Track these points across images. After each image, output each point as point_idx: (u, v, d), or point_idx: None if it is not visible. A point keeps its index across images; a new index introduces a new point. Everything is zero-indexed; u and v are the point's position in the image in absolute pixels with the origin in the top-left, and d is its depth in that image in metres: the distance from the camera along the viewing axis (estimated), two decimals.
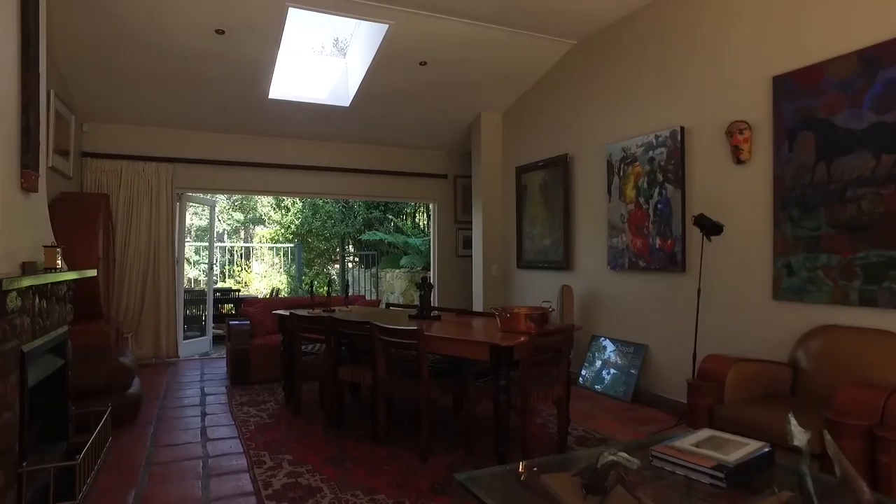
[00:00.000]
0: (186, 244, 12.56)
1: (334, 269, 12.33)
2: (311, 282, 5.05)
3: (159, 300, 6.06)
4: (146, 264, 6.00)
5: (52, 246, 2.97)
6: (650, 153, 4.60)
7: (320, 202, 11.17)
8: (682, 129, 4.32)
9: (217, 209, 14.37)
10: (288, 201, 12.04)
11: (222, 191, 6.91)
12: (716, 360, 3.31)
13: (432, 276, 7.74)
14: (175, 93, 5.61)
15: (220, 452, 3.46)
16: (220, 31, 4.77)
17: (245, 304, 5.89)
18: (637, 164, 4.73)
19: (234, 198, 13.60)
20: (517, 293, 6.42)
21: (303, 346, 4.44)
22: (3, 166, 2.73)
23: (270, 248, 12.47)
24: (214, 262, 10.57)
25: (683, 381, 3.69)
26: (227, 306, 8.16)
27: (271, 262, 12.52)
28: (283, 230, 12.29)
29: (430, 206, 7.82)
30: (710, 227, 3.67)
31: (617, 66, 5.00)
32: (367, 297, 10.33)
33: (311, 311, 4.54)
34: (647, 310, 4.66)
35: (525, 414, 3.16)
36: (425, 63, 5.56)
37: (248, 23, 4.69)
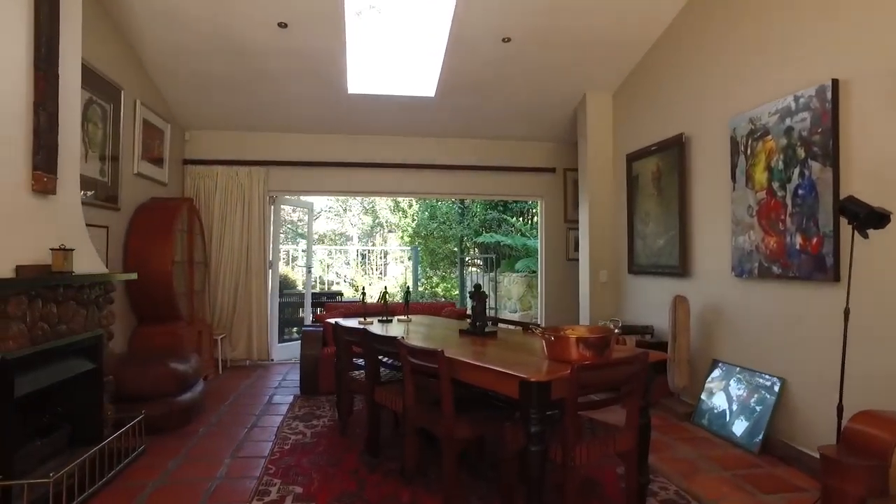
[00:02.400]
0: (318, 248, 13.17)
1: (470, 273, 11.96)
2: (362, 287, 4.62)
3: (251, 303, 6.11)
4: (238, 267, 6.09)
5: (60, 249, 2.86)
6: (787, 122, 3.42)
7: (436, 203, 10.88)
8: (835, 82, 3.11)
9: (350, 213, 14.92)
10: (404, 203, 11.95)
11: (315, 192, 6.84)
12: (875, 421, 2.21)
13: (539, 281, 6.94)
14: (256, 95, 5.58)
15: (236, 475, 3.14)
16: (282, 25, 4.57)
17: (326, 309, 5.69)
18: (769, 137, 3.57)
19: (367, 201, 13.92)
20: (628, 303, 5.40)
21: (357, 360, 4.05)
22: (3, 168, 2.67)
23: (388, 252, 12.51)
24: (313, 264, 10.91)
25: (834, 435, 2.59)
26: None
27: (399, 265, 12.59)
28: (401, 233, 12.24)
29: (538, 204, 7.02)
30: (866, 217, 2.50)
31: (744, 15, 3.86)
32: (488, 304, 9.82)
33: (362, 320, 4.10)
34: (785, 331, 3.48)
35: (566, 472, 2.36)
36: (508, 39, 4.86)
37: (307, 10, 4.42)
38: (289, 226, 13.74)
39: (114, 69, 4.40)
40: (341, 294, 9.29)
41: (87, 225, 3.98)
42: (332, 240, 14.39)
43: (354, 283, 10.94)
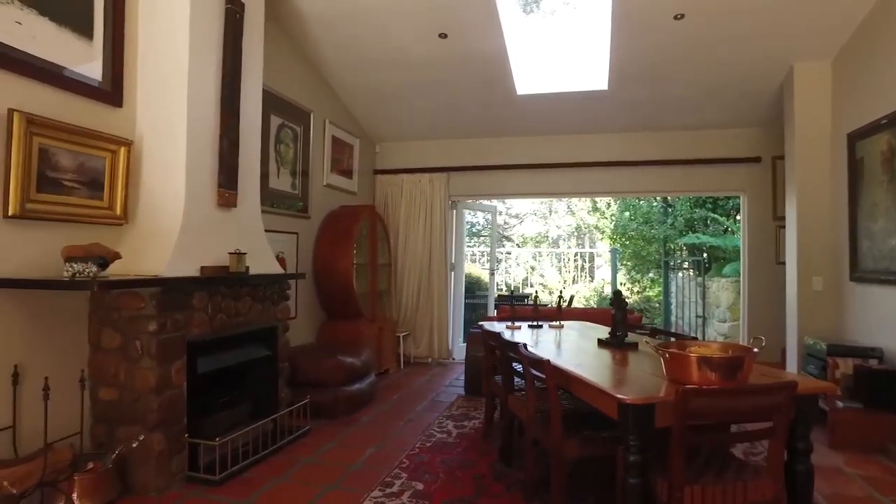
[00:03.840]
0: (523, 250, 13.30)
1: (676, 277, 10.96)
2: (511, 292, 4.47)
3: (433, 303, 6.45)
4: (421, 269, 6.47)
5: (235, 252, 3.40)
6: None
7: (637, 201, 10.10)
8: None
9: (556, 216, 14.76)
10: (602, 203, 11.34)
11: (493, 196, 6.91)
12: None
13: (742, 289, 5.97)
14: (431, 105, 5.88)
15: (373, 464, 3.35)
16: (442, 35, 4.75)
17: (499, 311, 5.72)
18: None
19: (571, 202, 13.63)
20: (850, 318, 4.33)
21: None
22: (192, 189, 3.26)
23: (597, 255, 12.00)
24: (512, 266, 10.90)
25: None
26: None
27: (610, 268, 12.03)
28: (601, 234, 11.64)
29: (740, 200, 6.06)
30: None
31: None
32: (696, 312, 8.79)
33: (510, 324, 4.02)
34: None
35: None
36: (681, 16, 4.30)
37: (463, 19, 4.52)
38: (491, 228, 14.13)
39: (304, 96, 5.08)
40: (527, 296, 9.24)
41: (279, 232, 4.67)
42: (538, 242, 14.44)
43: (547, 286, 10.81)
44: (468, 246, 12.65)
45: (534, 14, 5.47)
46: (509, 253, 13.88)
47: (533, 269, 13.19)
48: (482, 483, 3.07)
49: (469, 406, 4.67)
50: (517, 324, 4.04)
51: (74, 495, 2.65)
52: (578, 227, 13.86)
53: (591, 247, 13.79)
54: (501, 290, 11.85)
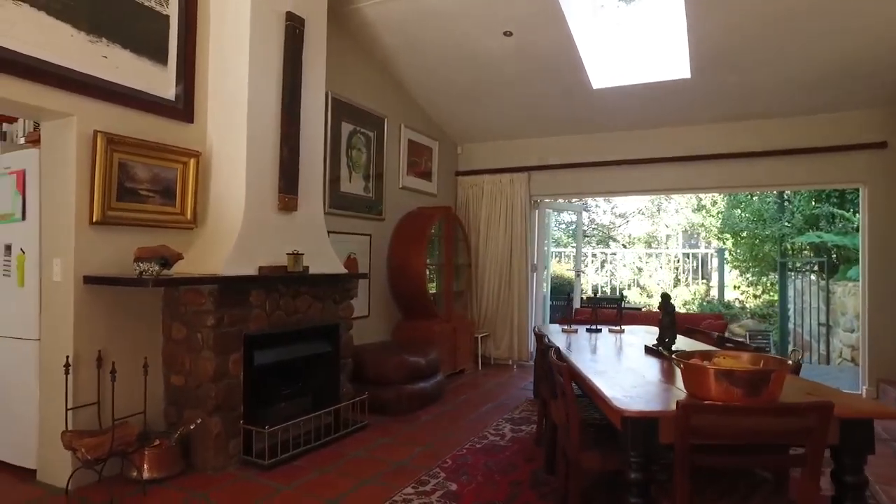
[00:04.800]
0: (628, 251, 12.68)
1: (794, 280, 9.83)
2: (568, 293, 4.26)
3: (513, 304, 6.36)
4: (501, 270, 6.40)
5: (293, 253, 3.62)
6: None
7: (749, 197, 9.17)
8: None
9: (665, 214, 13.85)
10: (707, 200, 10.41)
11: (578, 194, 6.64)
12: None
13: (861, 294, 5.19)
14: (506, 104, 5.81)
15: (418, 462, 3.39)
16: (507, 34, 4.69)
17: (577, 314, 5.53)
18: None
19: (678, 200, 12.72)
20: None
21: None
22: (252, 194, 3.53)
23: (682, 255, 11.11)
24: (583, 265, 10.36)
25: None
26: None
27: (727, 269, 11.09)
28: (706, 233, 10.70)
29: (859, 192, 5.29)
30: None
31: None
32: (818, 320, 7.81)
33: (566, 327, 3.87)
34: None
35: None
36: None
37: (526, 17, 4.44)
38: (595, 228, 13.64)
39: (378, 102, 5.27)
40: (620, 299, 8.76)
41: (351, 234, 4.89)
42: (646, 242, 13.67)
43: (645, 289, 10.18)
44: (572, 247, 12.31)
45: (635, 2, 5.21)
46: (614, 254, 13.26)
47: (641, 270, 12.49)
48: (517, 489, 3.00)
49: (533, 410, 4.57)
50: (573, 327, 3.88)
51: (144, 466, 2.99)
52: (686, 227, 12.91)
53: (705, 247, 12.73)
54: (605, 292, 11.39)
